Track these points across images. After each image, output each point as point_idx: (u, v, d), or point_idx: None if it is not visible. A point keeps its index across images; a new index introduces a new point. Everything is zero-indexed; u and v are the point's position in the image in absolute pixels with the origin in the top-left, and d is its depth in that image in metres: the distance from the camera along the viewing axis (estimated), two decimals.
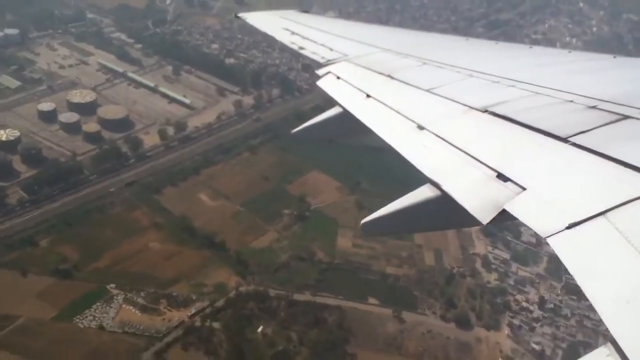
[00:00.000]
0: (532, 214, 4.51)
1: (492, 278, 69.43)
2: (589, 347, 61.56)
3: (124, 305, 59.21)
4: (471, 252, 72.98)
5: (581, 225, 4.11)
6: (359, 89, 8.81)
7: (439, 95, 7.60)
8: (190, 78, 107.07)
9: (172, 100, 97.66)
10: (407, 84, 8.44)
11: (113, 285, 60.93)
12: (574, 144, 5.17)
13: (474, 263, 71.29)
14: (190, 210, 73.06)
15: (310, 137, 10.25)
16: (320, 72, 10.16)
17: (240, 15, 15.97)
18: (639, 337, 3.22)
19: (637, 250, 3.76)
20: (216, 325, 57.88)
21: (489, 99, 6.94)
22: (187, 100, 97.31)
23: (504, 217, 4.72)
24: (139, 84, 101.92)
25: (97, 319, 57.46)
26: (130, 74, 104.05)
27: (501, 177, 5.17)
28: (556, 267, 70.98)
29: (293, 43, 12.11)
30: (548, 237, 4.14)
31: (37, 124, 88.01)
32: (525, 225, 4.48)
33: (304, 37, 12.24)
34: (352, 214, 77.17)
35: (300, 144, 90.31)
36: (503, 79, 7.63)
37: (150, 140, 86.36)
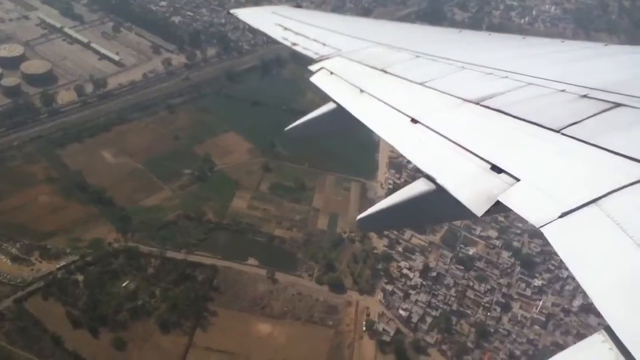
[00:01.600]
0: (525, 205, 4.63)
1: (381, 244, 69.50)
2: (464, 316, 61.88)
3: None
4: None
5: (573, 213, 4.21)
6: (352, 84, 8.93)
7: (433, 89, 7.69)
8: (129, 35, 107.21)
9: (102, 57, 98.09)
10: (401, 77, 8.54)
11: None
12: (567, 136, 5.30)
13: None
14: (89, 166, 74.46)
15: (304, 134, 10.27)
16: (313, 67, 10.25)
17: (232, 11, 16.19)
18: (633, 322, 3.29)
19: (628, 236, 3.83)
20: (80, 278, 59.63)
21: (483, 91, 7.03)
22: (116, 57, 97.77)
23: (498, 209, 4.86)
24: (74, 40, 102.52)
25: None
26: (67, 30, 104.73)
27: (495, 168, 5.28)
28: (453, 237, 70.83)
29: (285, 39, 12.12)
30: (541, 226, 4.22)
31: None
32: (519, 216, 4.60)
33: (296, 33, 12.24)
34: (256, 176, 77.92)
35: (222, 104, 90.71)
36: (496, 70, 7.73)
37: (69, 96, 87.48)
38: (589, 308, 63.09)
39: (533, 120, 5.81)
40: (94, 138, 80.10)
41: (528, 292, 65.02)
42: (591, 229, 4.05)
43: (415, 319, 60.58)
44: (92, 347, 53.93)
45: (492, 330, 60.67)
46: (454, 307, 62.54)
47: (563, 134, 5.37)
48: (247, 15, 15.18)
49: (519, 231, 72.57)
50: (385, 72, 8.97)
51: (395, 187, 77.96)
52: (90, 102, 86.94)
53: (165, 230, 67.21)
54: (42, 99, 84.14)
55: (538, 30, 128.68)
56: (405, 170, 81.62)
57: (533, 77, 7.10)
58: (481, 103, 6.71)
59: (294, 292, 62.29)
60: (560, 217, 4.22)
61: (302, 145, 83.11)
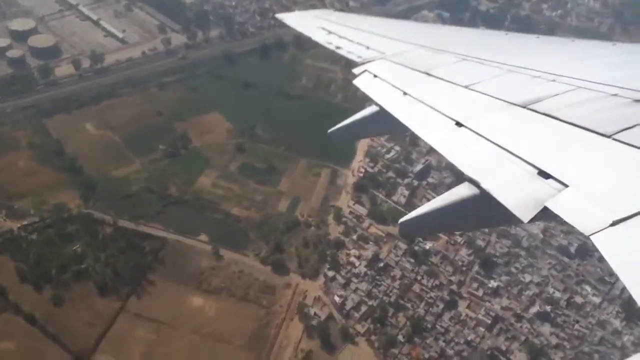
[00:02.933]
0: (574, 212, 4.57)
1: (337, 231, 70.64)
2: (403, 309, 62.11)
3: None
4: (331, 204, 74.22)
5: (626, 222, 4.13)
6: (395, 87, 9.04)
7: (478, 92, 7.73)
8: (139, 14, 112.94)
9: (108, 34, 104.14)
10: (445, 80, 8.64)
11: None
12: (619, 141, 5.21)
13: (327, 215, 72.64)
14: (70, 136, 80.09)
15: (346, 136, 10.68)
16: (356, 70, 10.55)
17: (277, 15, 17.18)
18: None
19: None
20: (35, 237, 64.96)
21: (529, 94, 7.03)
22: (120, 35, 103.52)
23: (545, 215, 4.84)
24: (86, 17, 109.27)
25: None
26: (81, 7, 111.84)
27: (542, 174, 5.24)
28: None
29: (329, 43, 12.54)
30: (591, 234, 4.19)
31: None
32: (568, 223, 4.57)
33: (340, 37, 12.64)
34: (228, 156, 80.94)
35: (213, 84, 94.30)
36: (544, 73, 7.71)
37: (68, 69, 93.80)
38: (545, 316, 61.78)
39: (583, 125, 5.71)
40: (80, 110, 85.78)
41: (480, 293, 64.28)
42: None
43: (348, 306, 61.57)
44: (33, 300, 58.91)
45: (429, 326, 60.62)
46: (395, 299, 62.94)
47: (615, 139, 5.24)
48: (292, 19, 15.71)
49: (486, 230, 71.43)
50: (429, 74, 9.06)
51: (367, 176, 78.96)
52: (87, 76, 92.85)
53: (127, 201, 71.45)
54: (40, 71, 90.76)
55: (569, 25, 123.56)
56: (381, 160, 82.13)
57: (583, 80, 6.99)
58: (528, 107, 6.67)
59: (236, 270, 64.80)
60: (612, 225, 4.14)
61: (284, 128, 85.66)
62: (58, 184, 72.52)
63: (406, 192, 76.32)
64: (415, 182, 78.24)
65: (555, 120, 6.09)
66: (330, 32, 13.05)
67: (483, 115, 7.01)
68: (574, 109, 6.21)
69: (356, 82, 10.13)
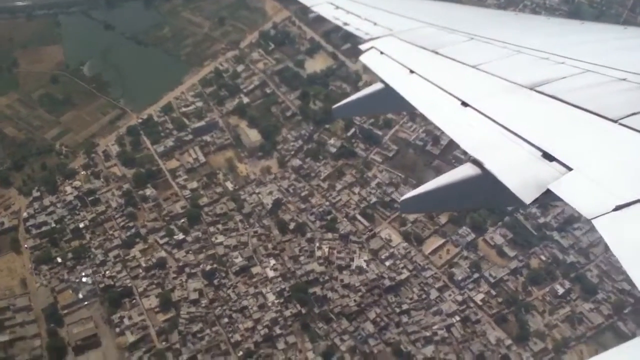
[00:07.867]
0: (577, 195, 4.77)
1: (79, 163, 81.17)
2: (79, 238, 71.82)
3: None
4: (94, 140, 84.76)
5: (630, 207, 4.29)
6: (402, 65, 9.40)
7: (485, 72, 8.04)
8: None
9: None
10: (453, 59, 8.96)
11: None
12: (625, 126, 5.39)
13: (82, 149, 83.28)
14: None
15: (351, 113, 11.53)
16: (363, 47, 10.89)
17: None
18: None
19: None
20: None
21: (537, 76, 7.31)
22: None
23: (547, 197, 5.06)
24: None
25: None
26: None
27: (547, 156, 5.48)
28: (146, 175, 79.43)
29: (337, 18, 12.80)
30: (593, 218, 4.37)
31: None
32: (570, 207, 4.75)
33: (348, 12, 12.93)
34: (41, 84, 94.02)
35: (77, 22, 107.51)
36: (552, 55, 7.99)
37: None
38: (208, 275, 68.12)
39: (589, 109, 5.96)
40: None
41: (162, 242, 71.76)
42: None
43: (31, 222, 72.68)
44: None
45: (91, 256, 69.92)
46: (80, 228, 72.78)
47: (621, 124, 5.45)
48: None
49: (217, 189, 78.30)
50: (437, 53, 9.42)
51: (148, 122, 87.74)
52: None
53: None
54: None
55: None
56: (176, 112, 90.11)
57: (591, 63, 7.27)
58: (535, 88, 6.97)
59: None
60: (615, 210, 4.33)
61: (110, 70, 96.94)
62: None
63: (171, 144, 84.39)
64: (190, 137, 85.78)
65: (562, 103, 6.36)
66: (338, 7, 13.32)
67: (489, 96, 7.31)
68: (581, 92, 6.49)
69: (362, 58, 10.50)
